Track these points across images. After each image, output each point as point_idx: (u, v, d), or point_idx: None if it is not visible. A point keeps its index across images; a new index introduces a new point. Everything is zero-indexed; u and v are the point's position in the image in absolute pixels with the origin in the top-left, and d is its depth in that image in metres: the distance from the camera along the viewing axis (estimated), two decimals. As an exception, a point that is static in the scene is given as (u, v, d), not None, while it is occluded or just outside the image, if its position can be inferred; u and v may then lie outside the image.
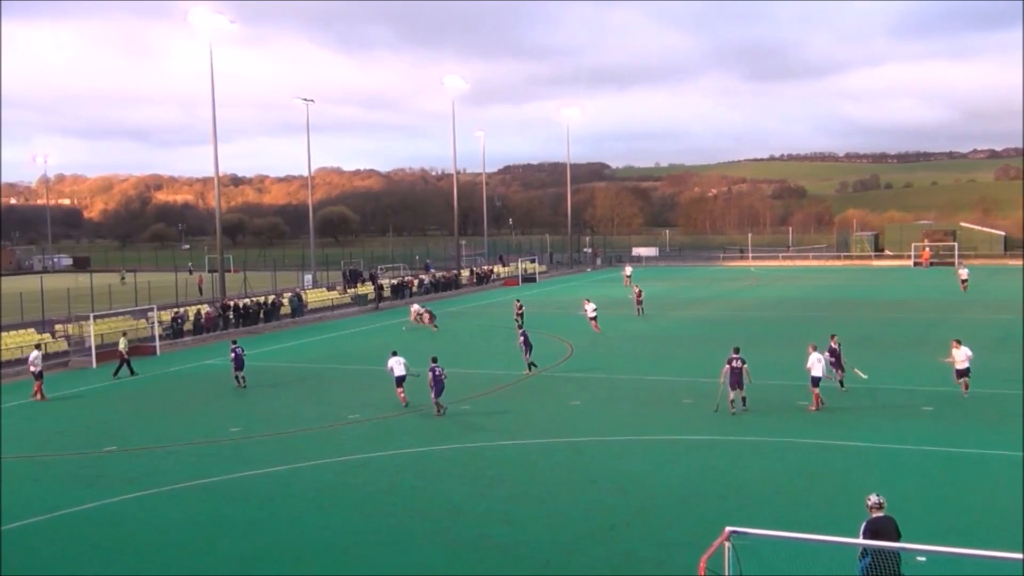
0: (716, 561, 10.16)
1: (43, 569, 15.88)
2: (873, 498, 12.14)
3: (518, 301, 50.31)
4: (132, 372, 36.11)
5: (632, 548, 16.09)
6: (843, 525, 16.07)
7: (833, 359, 28.49)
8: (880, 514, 12.04)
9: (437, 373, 26.85)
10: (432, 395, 26.81)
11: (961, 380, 27.79)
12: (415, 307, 51.16)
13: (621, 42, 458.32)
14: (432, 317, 47.98)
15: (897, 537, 11.86)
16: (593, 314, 44.96)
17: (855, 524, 16.16)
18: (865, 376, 28.68)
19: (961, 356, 27.69)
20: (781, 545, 11.43)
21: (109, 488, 20.54)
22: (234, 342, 34.76)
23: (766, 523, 14.04)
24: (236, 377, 32.79)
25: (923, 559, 14.24)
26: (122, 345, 36.85)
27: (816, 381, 26.36)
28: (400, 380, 28.28)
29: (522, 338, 34.95)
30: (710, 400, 27.86)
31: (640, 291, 55.08)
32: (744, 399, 26.37)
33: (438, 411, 26.81)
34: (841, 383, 28.51)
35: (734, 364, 26.10)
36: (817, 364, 26.48)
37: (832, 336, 30.00)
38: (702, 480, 20.12)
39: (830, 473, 20.21)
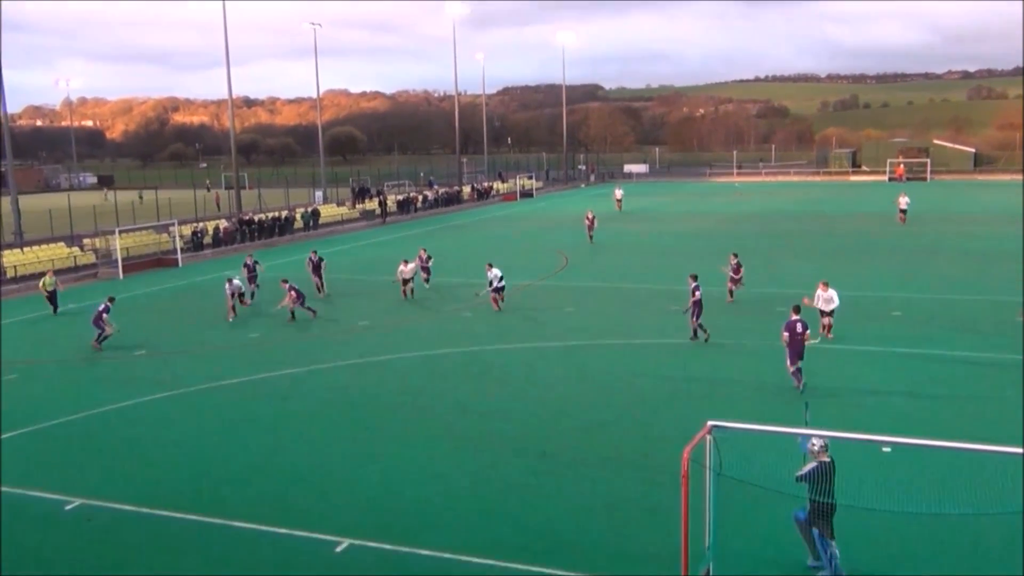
0: (698, 452, 10.35)
1: (86, 459, 16.21)
2: (818, 443, 10.95)
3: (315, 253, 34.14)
4: (55, 310, 30.81)
5: (621, 441, 16.39)
6: (814, 416, 16.34)
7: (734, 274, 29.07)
8: (825, 459, 10.96)
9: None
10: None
11: None
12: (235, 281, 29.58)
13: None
14: (299, 297, 28.43)
15: (832, 482, 10.98)
16: (500, 284, 28.96)
17: (825, 415, 16.49)
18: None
19: None
20: (758, 438, 11.62)
21: (141, 389, 20.80)
22: None
23: (745, 418, 14.26)
24: None
25: (888, 449, 14.56)
26: (47, 282, 31.12)
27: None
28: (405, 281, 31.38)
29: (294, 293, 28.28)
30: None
31: (593, 217, 47.17)
32: (697, 330, 23.71)
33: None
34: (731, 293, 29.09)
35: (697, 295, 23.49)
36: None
37: (733, 255, 29.88)
38: (685, 380, 20.37)
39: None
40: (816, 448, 11.09)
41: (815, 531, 11.19)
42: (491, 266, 29.42)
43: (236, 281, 29.39)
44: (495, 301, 28.99)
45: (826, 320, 23.16)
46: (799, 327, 18.83)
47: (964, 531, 12.12)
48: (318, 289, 32.49)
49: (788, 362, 19.06)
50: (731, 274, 29.12)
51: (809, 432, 11.30)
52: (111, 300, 26.08)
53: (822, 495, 10.85)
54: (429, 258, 33.94)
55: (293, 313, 28.28)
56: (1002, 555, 11.56)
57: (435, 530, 12.85)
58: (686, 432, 13.43)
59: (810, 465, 11.07)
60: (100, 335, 25.17)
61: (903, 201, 52.80)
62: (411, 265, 31.78)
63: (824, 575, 11.15)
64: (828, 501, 10.88)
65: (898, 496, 13.05)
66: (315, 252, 33.78)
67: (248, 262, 32.73)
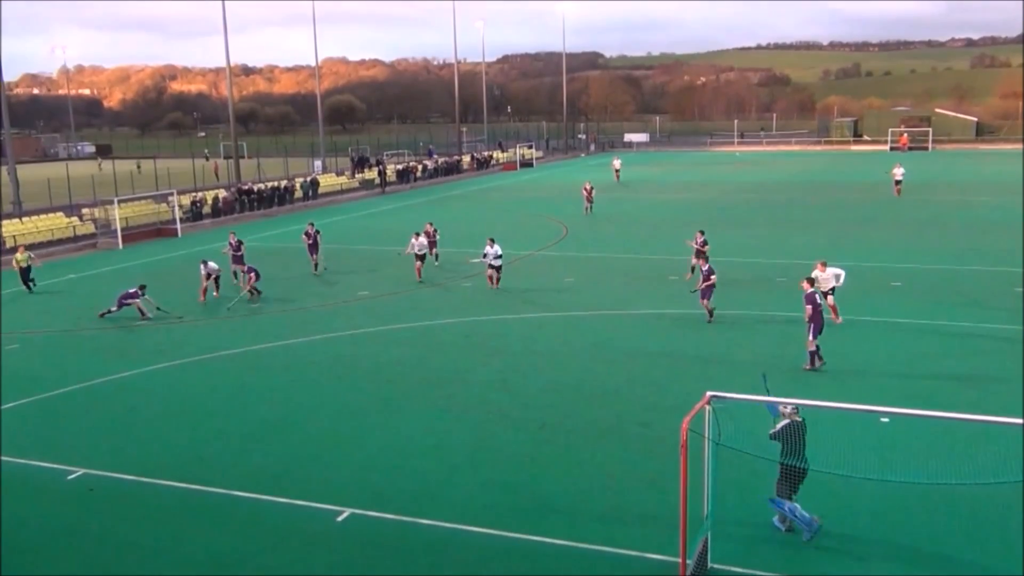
0: (697, 423, 10.38)
1: (87, 429, 16.25)
2: (789, 406, 11.39)
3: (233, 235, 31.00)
4: (29, 288, 29.37)
5: (620, 412, 16.44)
6: (815, 390, 16.40)
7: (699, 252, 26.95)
8: (798, 418, 11.39)
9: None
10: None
11: None
12: (210, 265, 27.46)
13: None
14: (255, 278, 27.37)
15: (802, 441, 11.35)
16: (496, 262, 27.52)
17: (825, 388, 16.54)
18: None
19: None
20: (757, 408, 11.66)
21: (141, 359, 20.83)
22: None
23: (744, 389, 14.30)
24: None
25: (886, 420, 14.61)
26: (19, 258, 29.80)
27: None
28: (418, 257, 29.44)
29: (253, 275, 27.30)
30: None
31: (592, 187, 46.46)
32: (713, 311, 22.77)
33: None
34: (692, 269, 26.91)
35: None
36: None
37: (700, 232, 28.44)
38: (685, 350, 20.39)
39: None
40: (788, 410, 11.42)
41: (776, 497, 11.46)
42: (492, 242, 27.45)
43: (212, 264, 27.31)
44: (491, 279, 27.51)
45: (830, 300, 21.59)
46: (817, 298, 18.31)
47: (961, 500, 12.18)
48: (315, 266, 31.40)
49: (811, 337, 18.18)
50: (696, 247, 27.59)
51: (786, 401, 11.47)
52: (143, 288, 25.21)
53: (792, 455, 11.15)
54: (435, 232, 31.78)
55: (253, 291, 27.09)
56: (997, 522, 11.63)
57: (435, 500, 12.93)
58: (685, 402, 13.47)
59: (781, 423, 11.41)
60: (109, 311, 24.96)
61: (898, 172, 50.42)
62: (421, 239, 29.73)
63: (806, 536, 11.34)
64: (798, 464, 11.16)
65: (896, 466, 13.11)
66: (312, 225, 32.07)
67: (232, 240, 30.19)
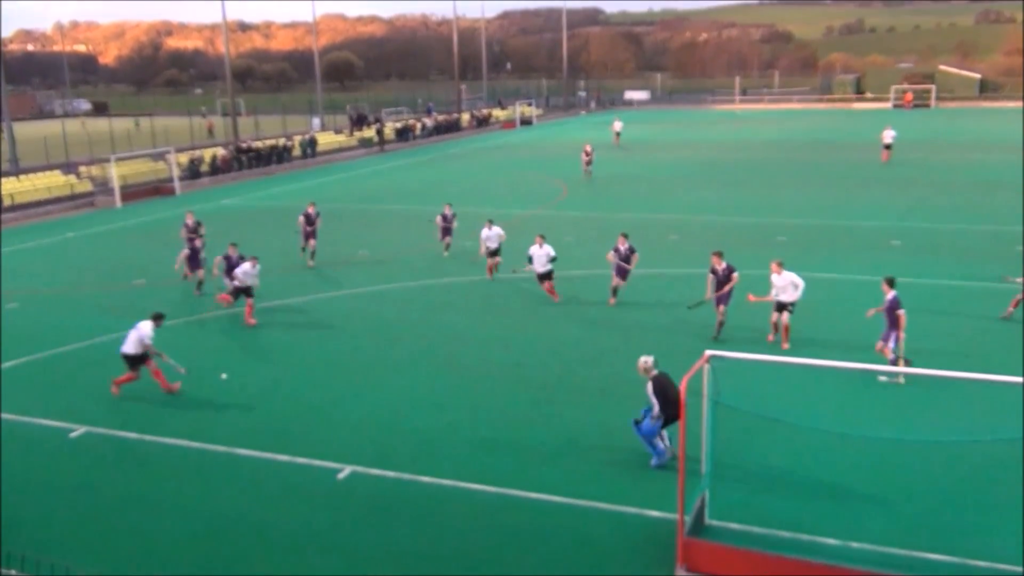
0: (696, 382, 10.41)
1: (88, 388, 16.33)
2: (649, 360, 12.41)
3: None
4: None
5: (620, 371, 16.49)
6: (812, 350, 16.44)
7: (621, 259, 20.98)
8: (656, 372, 12.40)
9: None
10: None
11: None
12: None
13: None
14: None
15: (676, 389, 11.20)
16: (545, 268, 21.27)
17: (822, 348, 16.58)
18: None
19: None
20: (755, 368, 11.69)
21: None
22: None
23: (743, 348, 14.34)
24: None
25: (884, 379, 14.67)
26: None
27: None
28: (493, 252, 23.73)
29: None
30: (694, 235, 27.99)
31: (592, 150, 44.47)
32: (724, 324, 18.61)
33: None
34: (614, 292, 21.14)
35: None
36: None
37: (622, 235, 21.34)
38: (684, 311, 20.36)
39: (805, 303, 20.40)
40: (648, 365, 12.36)
41: (648, 430, 12.40)
42: (543, 240, 21.32)
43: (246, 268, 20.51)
44: (552, 291, 21.32)
45: (784, 317, 17.70)
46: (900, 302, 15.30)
47: (957, 457, 12.27)
48: (311, 255, 26.07)
49: (890, 343, 15.18)
50: (617, 260, 20.94)
51: (647, 361, 12.50)
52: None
53: (669, 406, 11.87)
54: (454, 216, 27.06)
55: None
56: (995, 479, 11.73)
57: (435, 458, 13.03)
58: (684, 362, 13.50)
59: (648, 385, 12.31)
60: (232, 292, 21.57)
61: (888, 135, 46.18)
62: (486, 231, 23.69)
63: (656, 462, 12.40)
64: (671, 413, 11.86)
65: (893, 424, 13.20)
66: (313, 205, 26.81)
67: (188, 222, 25.67)
